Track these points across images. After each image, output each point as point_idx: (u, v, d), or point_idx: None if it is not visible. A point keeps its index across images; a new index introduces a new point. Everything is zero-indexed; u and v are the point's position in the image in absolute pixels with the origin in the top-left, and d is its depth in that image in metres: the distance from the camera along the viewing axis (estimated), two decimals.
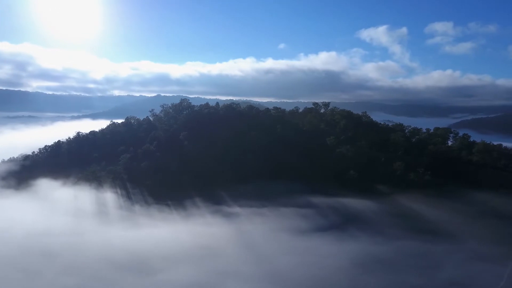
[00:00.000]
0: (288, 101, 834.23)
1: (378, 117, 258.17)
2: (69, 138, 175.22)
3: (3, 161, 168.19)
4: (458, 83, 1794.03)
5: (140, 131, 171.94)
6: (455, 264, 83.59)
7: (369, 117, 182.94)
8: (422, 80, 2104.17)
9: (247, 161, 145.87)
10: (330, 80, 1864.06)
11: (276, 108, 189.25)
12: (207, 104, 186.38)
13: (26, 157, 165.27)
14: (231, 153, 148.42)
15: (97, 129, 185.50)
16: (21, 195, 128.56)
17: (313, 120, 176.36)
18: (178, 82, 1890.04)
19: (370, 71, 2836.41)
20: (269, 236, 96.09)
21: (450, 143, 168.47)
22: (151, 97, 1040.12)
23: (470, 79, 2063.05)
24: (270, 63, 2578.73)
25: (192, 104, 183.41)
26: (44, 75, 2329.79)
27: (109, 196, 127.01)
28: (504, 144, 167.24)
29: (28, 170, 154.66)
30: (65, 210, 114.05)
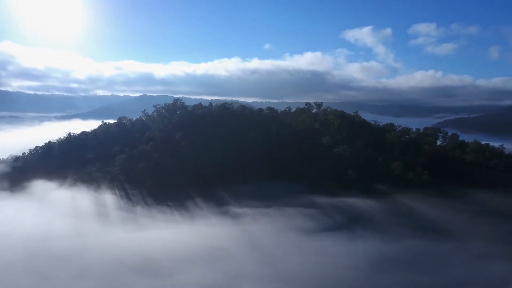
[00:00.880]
0: (273, 101, 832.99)
1: (363, 117, 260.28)
2: (60, 138, 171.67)
3: None
4: (440, 84, 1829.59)
5: (133, 132, 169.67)
6: (464, 263, 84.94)
7: (361, 117, 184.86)
8: (406, 80, 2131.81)
9: (245, 161, 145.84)
10: (315, 80, 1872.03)
11: (270, 108, 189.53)
12: (200, 104, 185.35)
13: (16, 158, 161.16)
14: (228, 153, 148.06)
15: (86, 130, 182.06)
16: (18, 198, 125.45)
17: (306, 120, 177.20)
18: (163, 81, 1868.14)
19: (355, 71, 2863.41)
20: (278, 236, 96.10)
21: (439, 142, 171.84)
22: (136, 97, 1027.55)
23: (452, 79, 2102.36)
24: (255, 63, 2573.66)
25: (185, 104, 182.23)
26: (25, 74, 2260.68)
27: (109, 198, 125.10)
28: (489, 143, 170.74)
29: (20, 171, 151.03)
30: (67, 212, 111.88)
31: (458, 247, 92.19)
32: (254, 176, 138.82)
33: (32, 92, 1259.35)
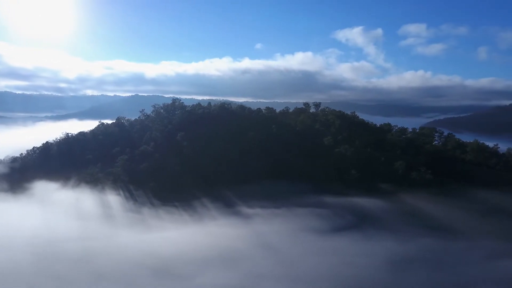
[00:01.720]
0: (264, 101, 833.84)
1: None
2: (57, 139, 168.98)
3: None
4: (429, 84, 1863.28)
5: (133, 132, 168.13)
6: (478, 261, 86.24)
7: (359, 117, 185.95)
8: (396, 80, 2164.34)
9: (247, 161, 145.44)
10: (306, 80, 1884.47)
11: (268, 108, 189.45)
12: (199, 104, 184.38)
13: (14, 159, 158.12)
14: (230, 153, 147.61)
15: (83, 130, 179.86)
16: (21, 199, 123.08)
17: (306, 120, 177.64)
18: (154, 81, 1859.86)
19: (345, 71, 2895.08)
20: (293, 237, 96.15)
21: (435, 142, 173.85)
22: (127, 96, 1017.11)
23: (441, 79, 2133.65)
24: (246, 63, 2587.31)
25: (185, 104, 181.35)
26: (13, 74, 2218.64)
27: (113, 199, 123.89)
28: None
29: (18, 172, 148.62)
30: (74, 213, 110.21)
31: (470, 246, 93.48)
32: (257, 176, 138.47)
33: (20, 92, 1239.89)
